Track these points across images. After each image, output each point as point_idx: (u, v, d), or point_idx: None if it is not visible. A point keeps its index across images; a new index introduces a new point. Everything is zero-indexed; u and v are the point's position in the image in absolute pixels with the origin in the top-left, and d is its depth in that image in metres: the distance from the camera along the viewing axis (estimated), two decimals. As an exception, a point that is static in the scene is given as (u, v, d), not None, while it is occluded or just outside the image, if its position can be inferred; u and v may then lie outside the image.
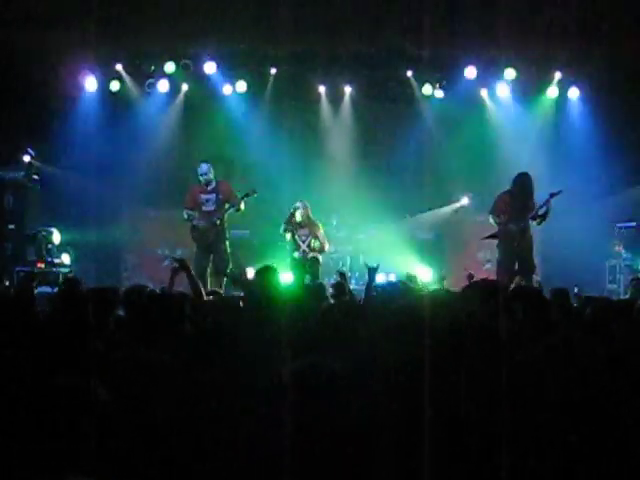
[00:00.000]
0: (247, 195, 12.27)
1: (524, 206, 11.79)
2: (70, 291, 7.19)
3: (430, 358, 3.67)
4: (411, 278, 8.02)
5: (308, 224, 13.41)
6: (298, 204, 13.36)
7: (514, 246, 11.72)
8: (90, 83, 15.15)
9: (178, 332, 5.32)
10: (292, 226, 13.34)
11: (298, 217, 13.26)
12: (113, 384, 3.85)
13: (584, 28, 14.10)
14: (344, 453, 3.19)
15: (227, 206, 12.39)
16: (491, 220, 12.03)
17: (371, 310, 5.90)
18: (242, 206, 12.34)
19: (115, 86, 15.31)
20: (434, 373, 3.55)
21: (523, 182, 11.82)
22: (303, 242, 13.31)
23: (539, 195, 11.87)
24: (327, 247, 13.66)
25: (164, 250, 15.59)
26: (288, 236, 13.41)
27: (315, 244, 13.33)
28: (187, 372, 4.28)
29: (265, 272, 6.61)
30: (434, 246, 15.32)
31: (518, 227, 11.70)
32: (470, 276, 8.78)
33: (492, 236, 12.02)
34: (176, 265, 7.79)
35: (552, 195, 11.50)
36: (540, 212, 11.67)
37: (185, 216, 12.58)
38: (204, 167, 12.60)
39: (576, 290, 10.28)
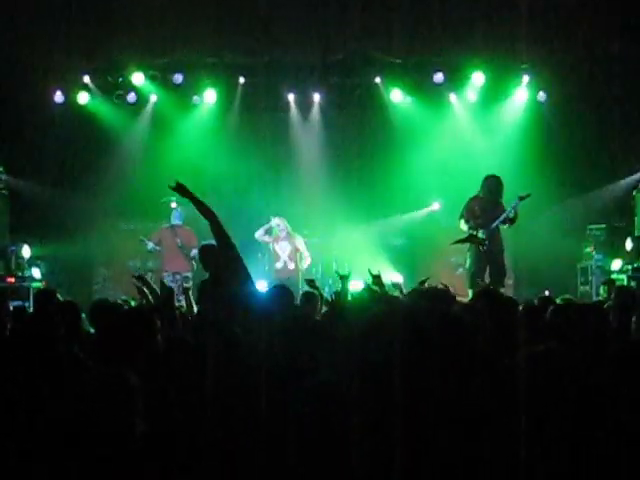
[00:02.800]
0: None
1: (493, 209, 11.80)
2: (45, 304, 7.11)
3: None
4: (376, 280, 7.85)
5: (289, 238, 13.50)
6: (276, 221, 13.46)
7: (484, 251, 11.71)
8: (58, 95, 15.05)
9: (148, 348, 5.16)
10: (272, 238, 13.51)
11: (276, 233, 13.38)
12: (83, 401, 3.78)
13: (551, 31, 14.17)
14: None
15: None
16: (461, 225, 12.02)
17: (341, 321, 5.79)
18: None
19: (83, 98, 15.23)
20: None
21: (491, 184, 11.85)
22: (284, 252, 13.38)
23: (508, 198, 11.89)
24: (309, 261, 13.79)
25: (136, 262, 15.50)
26: (267, 239, 13.56)
27: (300, 259, 13.50)
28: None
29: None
30: (406, 251, 15.31)
31: (488, 231, 11.69)
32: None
33: (461, 240, 12.00)
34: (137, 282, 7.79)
35: (521, 198, 11.51)
36: (510, 216, 11.68)
37: None
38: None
39: (547, 293, 10.29)
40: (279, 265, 13.48)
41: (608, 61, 14.76)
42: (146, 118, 15.67)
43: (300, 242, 13.71)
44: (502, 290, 11.07)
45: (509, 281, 13.93)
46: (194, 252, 13.13)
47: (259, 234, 13.87)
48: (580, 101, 14.82)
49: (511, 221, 11.73)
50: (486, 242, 11.66)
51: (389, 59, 15.05)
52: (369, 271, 7.90)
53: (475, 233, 11.74)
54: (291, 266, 13.48)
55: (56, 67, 14.71)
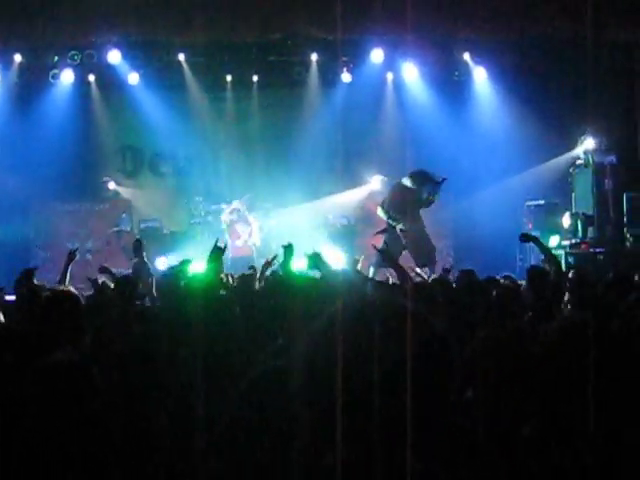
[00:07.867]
0: None
1: (411, 198, 12.05)
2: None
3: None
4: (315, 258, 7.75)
5: (247, 219, 14.47)
6: (237, 203, 14.40)
7: (404, 242, 11.95)
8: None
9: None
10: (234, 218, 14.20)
11: (237, 214, 13.97)
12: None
13: (491, 10, 14.21)
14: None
15: None
16: (379, 213, 12.27)
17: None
18: None
19: (18, 77, 14.94)
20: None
21: (416, 177, 12.13)
22: (244, 232, 14.22)
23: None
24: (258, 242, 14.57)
25: (74, 243, 15.23)
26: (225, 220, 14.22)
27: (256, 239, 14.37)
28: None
29: None
30: (345, 229, 15.28)
31: (411, 221, 11.96)
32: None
33: (382, 232, 12.24)
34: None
35: (437, 183, 11.90)
36: (430, 197, 12.02)
37: None
38: None
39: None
40: (239, 243, 14.27)
41: (546, 43, 14.85)
42: (83, 97, 15.43)
43: (255, 223, 14.48)
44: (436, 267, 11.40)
45: (449, 258, 14.03)
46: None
47: (225, 216, 14.53)
48: (519, 78, 14.90)
49: (428, 204, 12.03)
50: (406, 232, 11.92)
51: (327, 37, 14.97)
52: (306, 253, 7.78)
53: (395, 224, 11.96)
54: (250, 244, 14.16)
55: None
